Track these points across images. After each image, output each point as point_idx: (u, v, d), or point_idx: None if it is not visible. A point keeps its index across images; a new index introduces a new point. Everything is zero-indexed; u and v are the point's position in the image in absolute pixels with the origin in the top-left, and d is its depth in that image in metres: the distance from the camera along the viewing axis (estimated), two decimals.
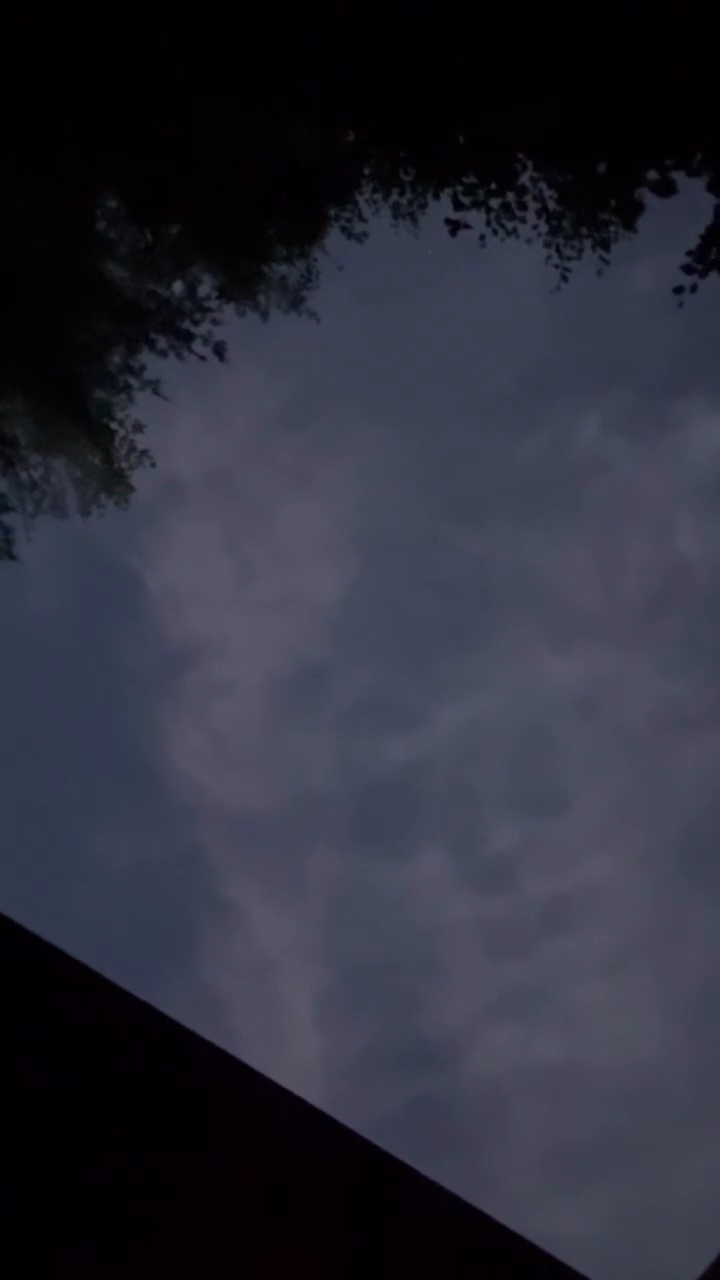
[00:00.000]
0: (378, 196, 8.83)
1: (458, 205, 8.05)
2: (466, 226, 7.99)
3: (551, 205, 7.84)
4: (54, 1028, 4.24)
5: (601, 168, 7.49)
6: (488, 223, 7.84)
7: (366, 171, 8.68)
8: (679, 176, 6.85)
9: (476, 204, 7.93)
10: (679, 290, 6.64)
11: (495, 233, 7.84)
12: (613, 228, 7.72)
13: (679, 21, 6.85)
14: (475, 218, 7.98)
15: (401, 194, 8.58)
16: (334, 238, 9.35)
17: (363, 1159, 4.64)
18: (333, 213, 9.03)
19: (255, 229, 8.93)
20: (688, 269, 6.68)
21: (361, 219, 9.09)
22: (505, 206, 7.76)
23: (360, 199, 8.94)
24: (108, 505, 11.04)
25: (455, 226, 8.02)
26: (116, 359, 10.22)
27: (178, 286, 9.81)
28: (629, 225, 7.63)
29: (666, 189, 6.64)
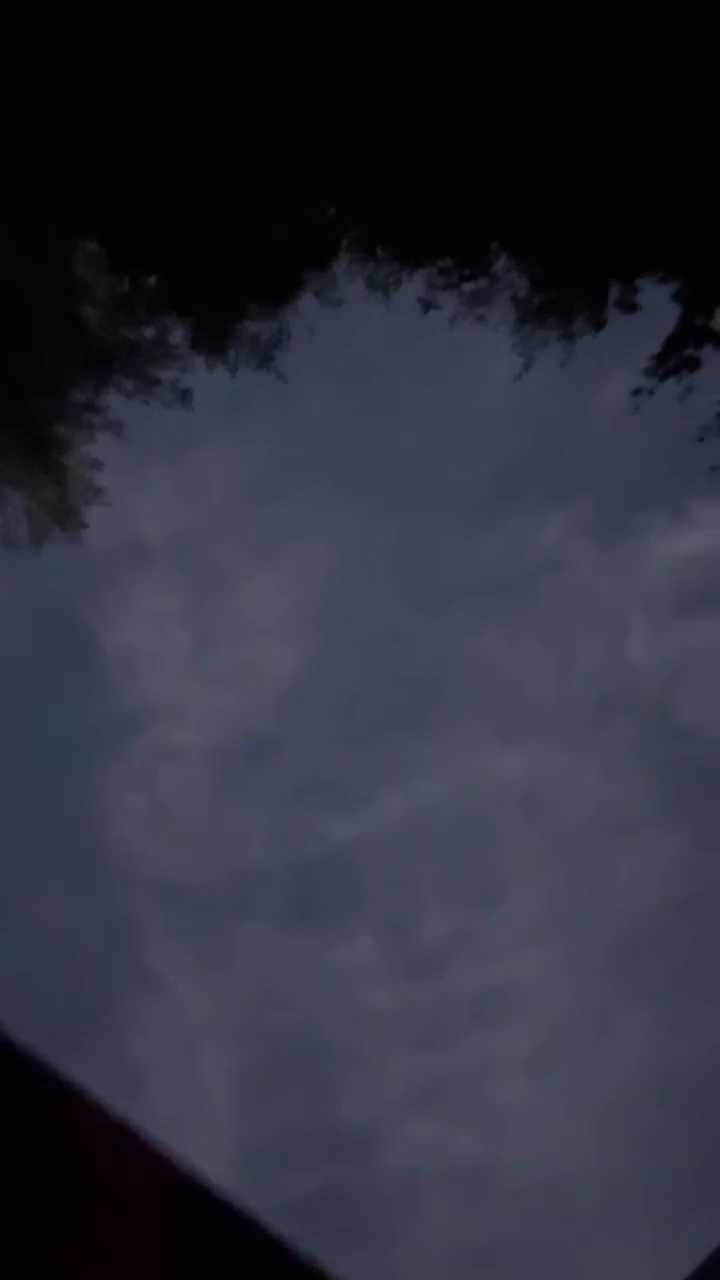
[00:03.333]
0: (354, 267, 9.01)
1: (431, 286, 8.25)
2: (437, 307, 8.19)
3: (521, 294, 8.07)
4: None
5: (573, 265, 7.73)
6: (459, 306, 8.03)
7: (345, 242, 8.86)
8: (647, 284, 7.11)
9: (449, 286, 8.14)
10: (637, 393, 6.87)
11: (465, 317, 8.04)
12: (578, 322, 7.96)
13: (665, 129, 7.14)
14: (447, 299, 8.17)
15: (377, 267, 8.77)
16: (308, 303, 9.52)
17: (262, 1244, 4.60)
18: (308, 277, 9.19)
19: (231, 285, 9.04)
20: (648, 372, 6.92)
21: (336, 287, 9.26)
22: (477, 292, 7.96)
23: (336, 268, 9.12)
24: (60, 541, 10.99)
25: (427, 306, 8.21)
26: (81, 396, 10.24)
27: (149, 332, 9.88)
28: (596, 325, 7.88)
29: (630, 307, 6.89)
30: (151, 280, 8.97)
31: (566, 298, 7.74)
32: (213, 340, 9.16)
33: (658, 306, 7.72)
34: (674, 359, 6.87)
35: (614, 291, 7.21)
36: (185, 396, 10.16)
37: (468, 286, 7.95)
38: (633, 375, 7.71)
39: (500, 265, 8.13)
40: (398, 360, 10.71)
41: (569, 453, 11.71)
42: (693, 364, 6.88)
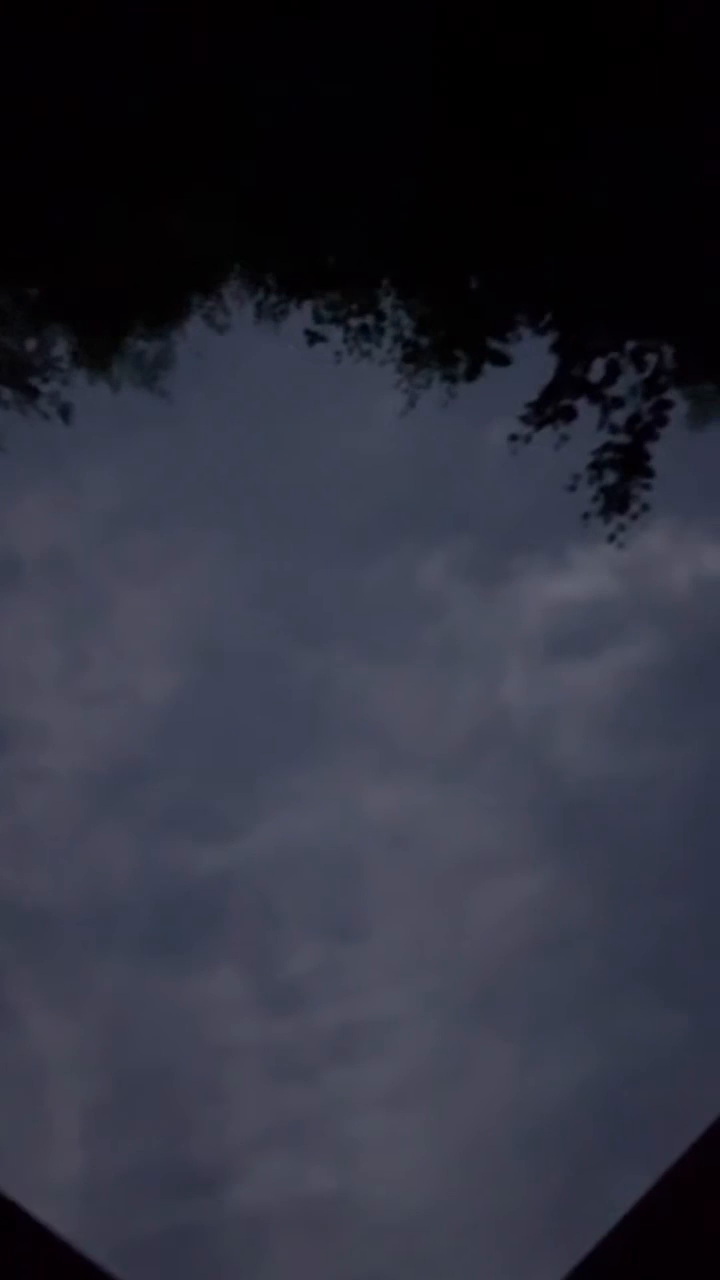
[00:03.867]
0: (243, 294, 8.96)
1: (318, 318, 8.25)
2: (323, 339, 8.18)
3: (407, 334, 8.13)
4: None
5: (457, 310, 7.82)
6: (344, 340, 8.04)
7: (236, 267, 8.80)
8: (527, 335, 7.24)
9: (336, 320, 8.14)
10: (514, 438, 6.97)
11: (351, 352, 8.05)
12: (461, 364, 8.06)
13: (537, 177, 7.29)
14: (334, 333, 8.18)
15: (266, 295, 8.74)
16: (196, 327, 9.43)
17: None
18: (196, 300, 9.10)
19: (117, 302, 8.89)
20: (525, 419, 7.02)
21: (225, 311, 9.20)
22: (363, 328, 7.99)
23: (226, 292, 9.05)
24: None
25: (313, 338, 8.20)
26: None
27: (30, 343, 9.65)
28: (474, 371, 7.98)
29: (501, 360, 7.00)
30: (34, 292, 8.75)
31: (449, 341, 7.82)
32: (96, 356, 8.98)
33: (539, 356, 7.88)
34: (550, 408, 7.00)
35: (492, 341, 7.32)
36: (66, 411, 9.95)
37: (354, 322, 7.97)
38: (514, 422, 7.84)
39: (388, 304, 8.18)
40: (285, 390, 10.69)
41: (451, 494, 11.83)
42: (568, 414, 7.01)
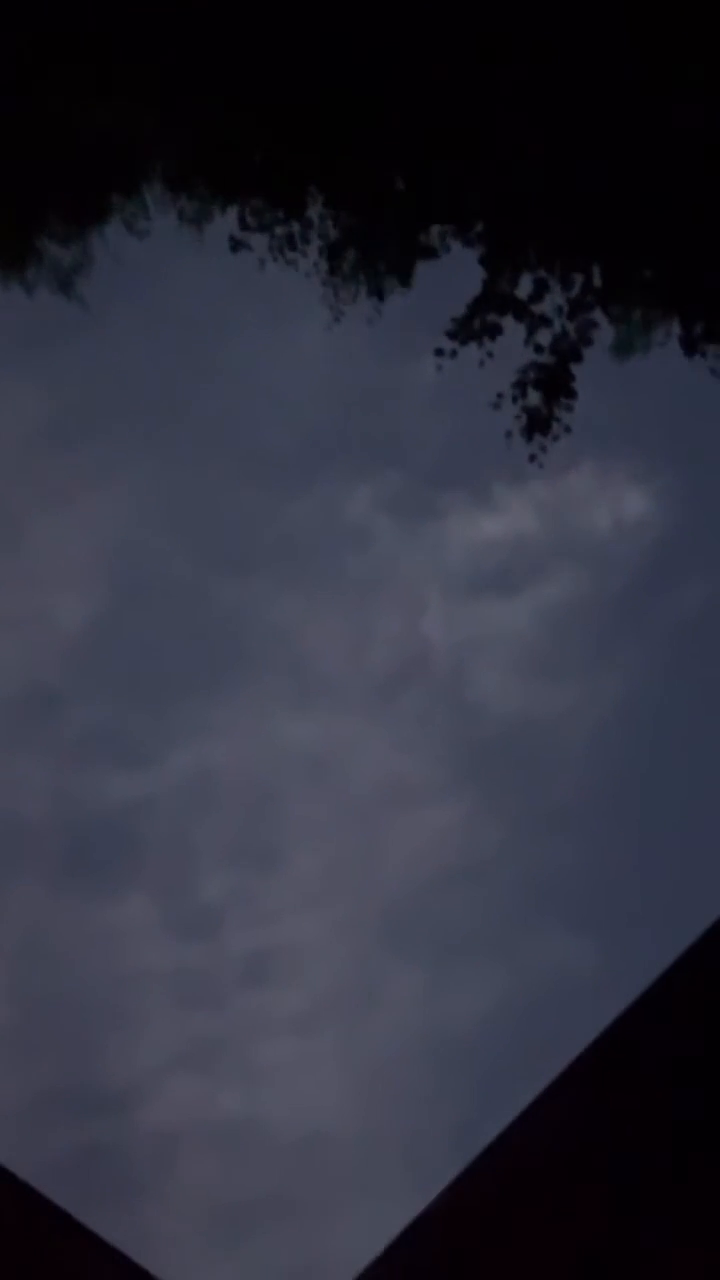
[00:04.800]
0: (166, 195, 8.60)
1: (243, 225, 7.96)
2: (247, 247, 7.91)
3: (334, 242, 7.88)
4: None
5: (386, 217, 7.60)
6: (269, 248, 7.78)
7: (158, 167, 8.44)
8: (456, 245, 7.07)
9: (262, 227, 7.86)
10: (439, 353, 6.84)
11: (275, 259, 7.79)
12: (388, 279, 7.85)
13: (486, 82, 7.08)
14: (258, 242, 7.90)
15: (190, 199, 8.40)
16: (116, 231, 9.03)
17: (26, 1207, 4.34)
18: (116, 202, 8.71)
19: (30, 198, 8.47)
20: (450, 334, 6.89)
21: (146, 216, 8.83)
22: (289, 236, 7.73)
23: (148, 194, 8.68)
24: None
25: (236, 245, 7.92)
26: None
27: None
28: (404, 281, 7.78)
29: (431, 254, 6.85)
30: None
31: (375, 251, 7.61)
32: (8, 256, 8.57)
33: (467, 279, 7.71)
34: (476, 322, 6.87)
35: (421, 248, 7.13)
36: None
37: (280, 230, 7.70)
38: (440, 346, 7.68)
39: (314, 211, 7.91)
40: (209, 305, 10.35)
41: (377, 424, 11.66)
42: (493, 330, 6.89)
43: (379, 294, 7.93)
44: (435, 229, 7.08)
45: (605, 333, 7.67)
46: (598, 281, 6.83)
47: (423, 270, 7.68)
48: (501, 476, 10.96)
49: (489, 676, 13.01)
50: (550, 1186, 5.18)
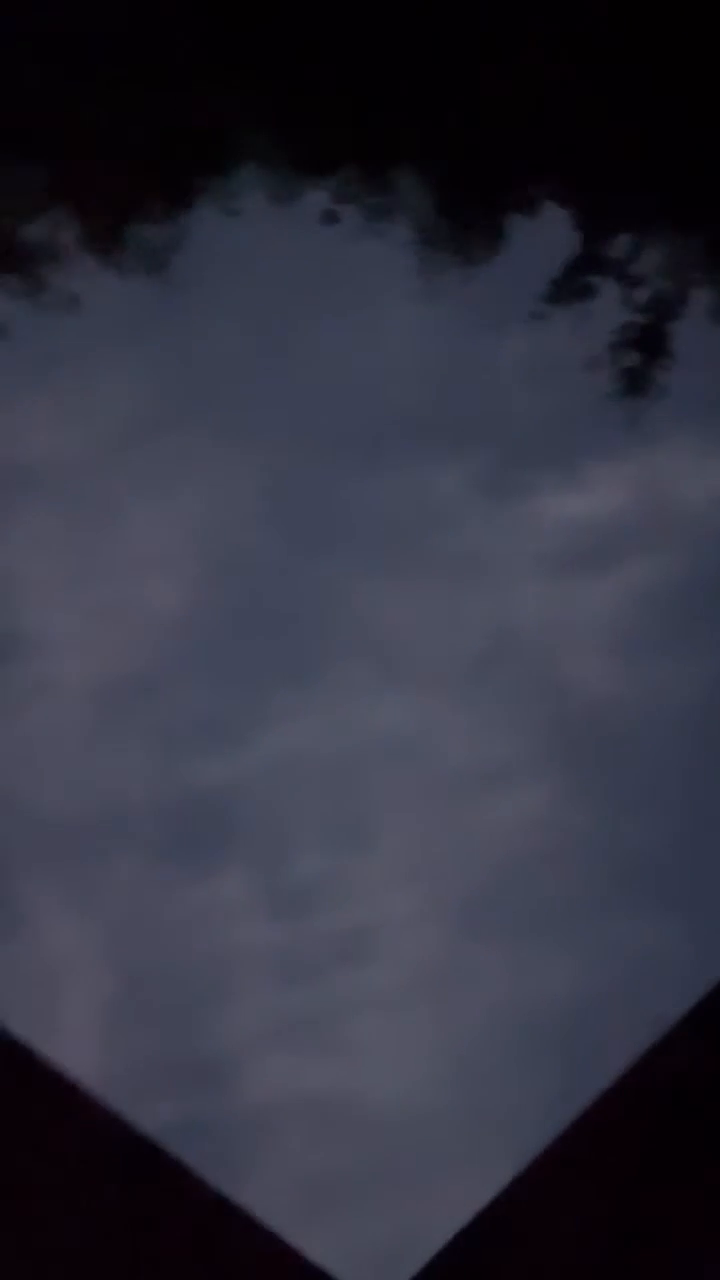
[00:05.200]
0: (258, 173, 8.69)
1: (335, 198, 8.02)
2: (338, 221, 7.96)
3: (424, 215, 7.90)
4: None
5: (475, 185, 7.59)
6: (361, 220, 7.81)
7: (248, 143, 8.54)
8: (551, 207, 7.01)
9: (352, 199, 7.91)
10: (534, 316, 6.79)
11: (364, 232, 7.83)
12: (479, 247, 7.84)
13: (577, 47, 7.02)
14: (348, 213, 7.95)
15: (281, 176, 8.48)
16: (209, 212, 9.15)
17: (140, 1153, 4.46)
18: (208, 182, 8.83)
19: (124, 179, 8.63)
20: (545, 298, 6.84)
21: (238, 194, 8.93)
22: (377, 207, 7.76)
23: (240, 172, 8.78)
24: None
25: (329, 218, 7.98)
26: None
27: (37, 230, 9.39)
28: (495, 247, 7.76)
29: (530, 207, 6.79)
30: (36, 170, 8.49)
31: (466, 221, 7.60)
32: (102, 239, 8.75)
33: (559, 245, 7.64)
34: (573, 283, 6.81)
35: (513, 216, 7.10)
36: (74, 301, 9.73)
37: (369, 201, 7.74)
38: (537, 334, 7.63)
39: (405, 182, 7.93)
40: (300, 285, 10.45)
41: (467, 400, 11.62)
42: (588, 291, 6.83)
43: (470, 261, 7.93)
44: (527, 190, 7.03)
45: (704, 297, 7.55)
46: (697, 241, 6.72)
47: (514, 237, 7.64)
48: (594, 453, 10.86)
49: (579, 657, 12.87)
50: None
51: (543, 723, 12.21)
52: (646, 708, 12.27)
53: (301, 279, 9.98)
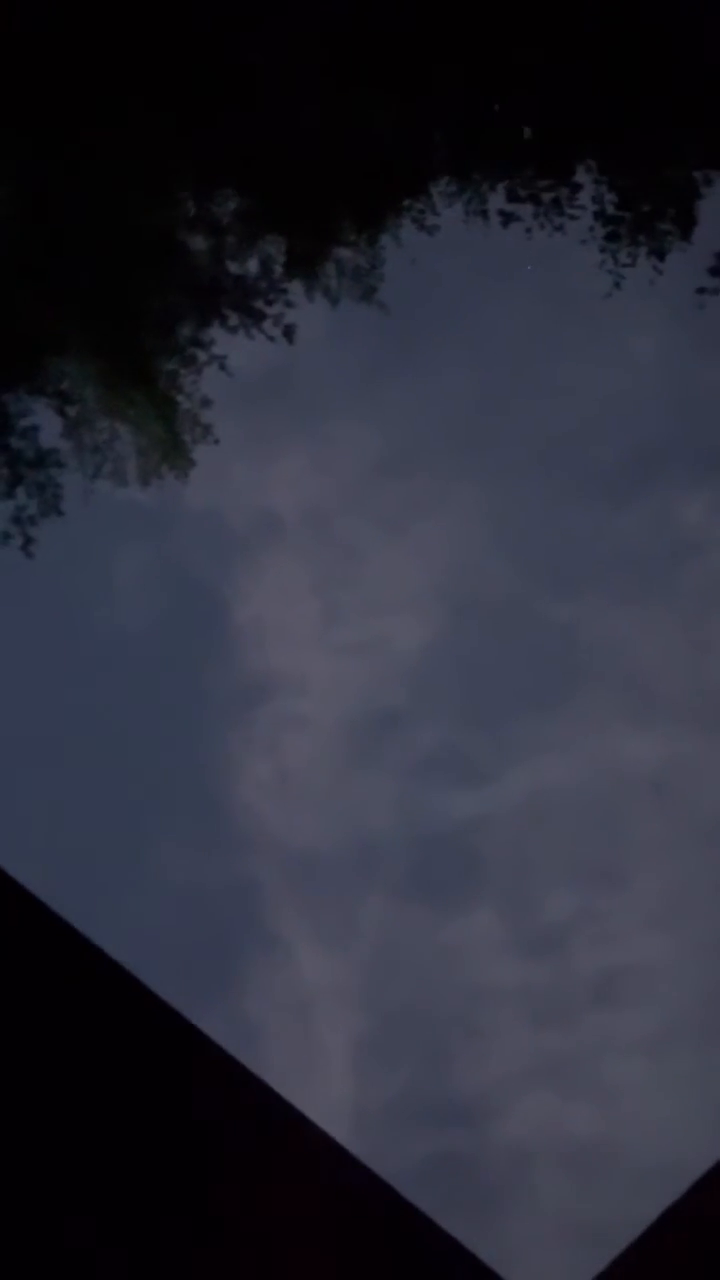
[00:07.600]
0: (450, 188, 8.63)
1: (513, 198, 7.79)
2: (517, 219, 7.71)
3: (609, 209, 7.48)
4: (90, 1033, 4.08)
5: (662, 172, 7.09)
6: (535, 215, 7.53)
7: (441, 159, 8.50)
8: None
9: (531, 196, 7.64)
10: (701, 291, 6.19)
11: (543, 226, 7.52)
12: (669, 236, 7.30)
13: None
14: (525, 211, 7.68)
15: (470, 187, 8.37)
16: (405, 231, 9.18)
17: (390, 1207, 4.32)
18: (405, 203, 8.87)
19: (325, 205, 8.86)
20: (714, 271, 6.23)
21: (434, 212, 8.90)
22: (556, 201, 7.44)
23: (434, 190, 8.76)
24: (167, 478, 11.13)
25: (507, 219, 7.75)
26: (186, 331, 10.32)
27: (251, 264, 9.84)
28: (685, 235, 7.19)
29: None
30: (243, 201, 8.90)
31: (654, 209, 7.10)
32: (308, 265, 9.00)
33: None
34: None
35: (704, 197, 6.53)
36: (289, 332, 10.07)
37: (548, 195, 7.44)
38: None
39: (590, 177, 7.56)
40: (524, 324, 10.25)
41: (712, 428, 10.86)
42: None
43: (659, 254, 7.40)
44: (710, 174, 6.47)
45: None
46: None
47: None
48: None
49: None
50: None
51: None
52: None
53: (527, 317, 9.75)
